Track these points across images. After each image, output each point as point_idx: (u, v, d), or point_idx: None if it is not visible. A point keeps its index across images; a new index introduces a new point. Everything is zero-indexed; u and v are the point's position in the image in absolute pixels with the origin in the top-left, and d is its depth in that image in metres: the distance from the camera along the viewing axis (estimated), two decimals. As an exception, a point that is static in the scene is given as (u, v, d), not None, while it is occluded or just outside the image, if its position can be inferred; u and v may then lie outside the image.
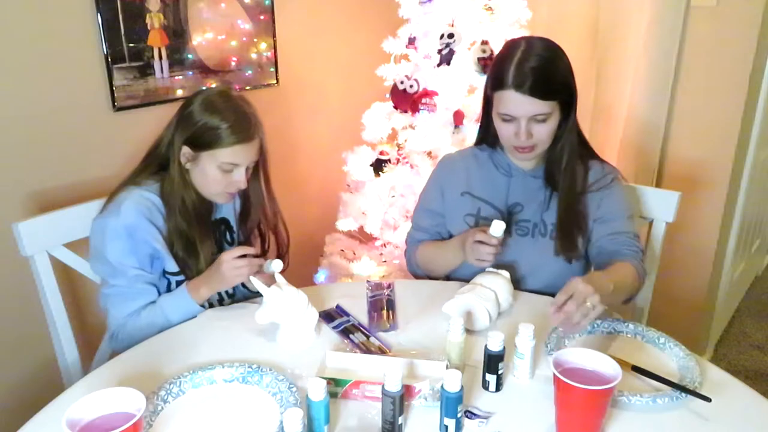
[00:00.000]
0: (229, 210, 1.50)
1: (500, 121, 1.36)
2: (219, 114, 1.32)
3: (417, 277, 1.60)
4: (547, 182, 1.44)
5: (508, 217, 1.44)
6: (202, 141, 1.33)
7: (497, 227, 1.29)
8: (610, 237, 1.40)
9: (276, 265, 1.30)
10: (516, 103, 1.30)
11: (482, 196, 1.47)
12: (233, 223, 1.51)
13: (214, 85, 2.03)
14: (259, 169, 1.45)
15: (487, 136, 1.49)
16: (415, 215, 1.60)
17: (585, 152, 1.46)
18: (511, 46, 1.34)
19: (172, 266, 1.36)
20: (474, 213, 1.46)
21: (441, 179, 1.54)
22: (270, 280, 1.29)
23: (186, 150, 1.34)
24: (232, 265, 1.29)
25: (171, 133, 1.36)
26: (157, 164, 1.38)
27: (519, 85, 1.28)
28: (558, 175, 1.41)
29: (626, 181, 1.51)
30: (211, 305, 1.40)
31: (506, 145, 1.41)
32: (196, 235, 1.37)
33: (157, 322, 1.31)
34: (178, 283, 1.38)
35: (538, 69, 1.28)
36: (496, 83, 1.33)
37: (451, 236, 1.51)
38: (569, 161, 1.39)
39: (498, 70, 1.33)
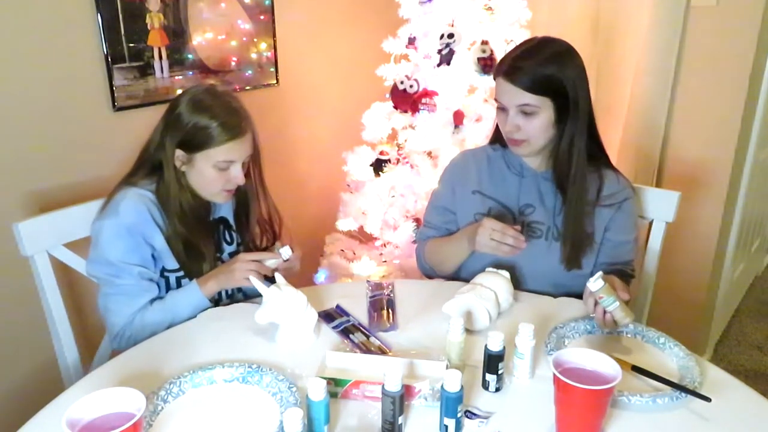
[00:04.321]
0: (227, 209, 1.50)
1: (498, 111, 1.40)
2: (208, 112, 1.30)
3: (427, 275, 1.60)
4: (555, 186, 1.44)
5: (519, 218, 1.44)
6: (195, 142, 1.31)
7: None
8: (614, 267, 1.43)
9: (285, 251, 1.34)
10: (503, 90, 1.34)
11: (493, 196, 1.47)
12: (232, 221, 1.51)
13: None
14: (252, 164, 1.44)
15: (501, 135, 1.48)
16: (426, 213, 1.61)
17: (601, 159, 1.45)
18: (524, 41, 1.40)
19: (171, 263, 1.36)
20: (485, 212, 1.46)
21: (452, 177, 1.54)
22: (282, 268, 1.34)
23: (180, 153, 1.33)
24: (246, 267, 1.30)
25: (160, 136, 1.35)
26: (149, 166, 1.37)
27: (507, 72, 1.33)
28: (566, 181, 1.40)
29: (635, 195, 1.50)
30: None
31: (504, 138, 1.42)
32: (198, 238, 1.37)
33: (166, 319, 1.31)
34: (178, 280, 1.38)
35: (532, 62, 1.31)
36: (495, 72, 1.39)
37: None
38: (578, 168, 1.38)
39: (500, 60, 1.38)
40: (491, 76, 1.99)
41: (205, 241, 1.39)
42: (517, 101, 1.33)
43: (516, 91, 1.32)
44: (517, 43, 1.41)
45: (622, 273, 1.44)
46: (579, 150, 1.37)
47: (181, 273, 1.38)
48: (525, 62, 1.31)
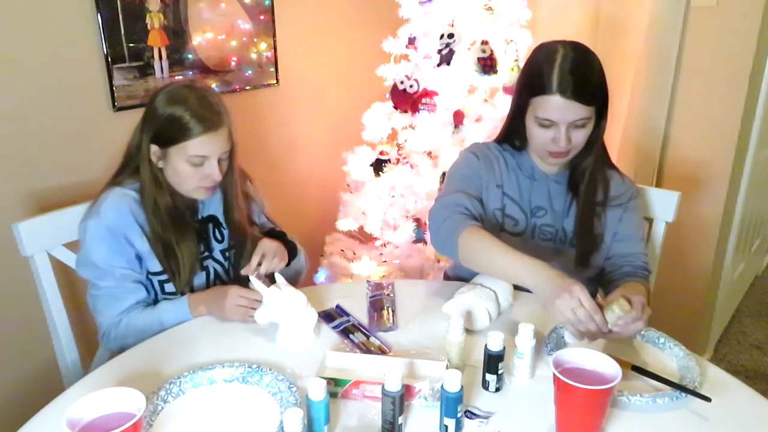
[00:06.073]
0: (217, 206, 1.47)
1: (537, 127, 1.33)
2: (183, 104, 1.28)
3: (440, 252, 1.40)
4: (569, 189, 1.43)
5: (531, 219, 1.43)
6: (169, 135, 1.29)
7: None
8: (625, 259, 1.41)
9: (254, 283, 1.27)
10: (559, 108, 1.27)
11: (510, 194, 1.45)
12: (221, 219, 1.48)
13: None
14: (232, 161, 1.40)
15: (514, 139, 1.45)
16: (450, 182, 1.44)
17: (606, 160, 1.45)
18: (548, 50, 1.31)
19: (154, 266, 1.35)
20: (500, 208, 1.44)
21: (481, 161, 1.45)
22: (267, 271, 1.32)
23: (155, 148, 1.32)
24: (237, 302, 1.28)
25: (138, 133, 1.34)
26: (134, 165, 1.36)
27: (563, 90, 1.25)
28: (581, 184, 1.39)
29: (639, 195, 1.49)
30: None
31: (540, 150, 1.37)
32: (172, 238, 1.35)
33: (153, 327, 1.30)
34: (161, 284, 1.37)
35: (580, 74, 1.26)
36: (536, 88, 1.29)
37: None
38: (594, 170, 1.38)
39: (537, 74, 1.29)
40: (491, 76, 2.01)
41: (182, 242, 1.36)
42: (574, 117, 1.27)
43: (574, 107, 1.26)
44: (537, 53, 1.33)
45: (637, 272, 1.39)
46: (597, 150, 1.38)
47: (165, 277, 1.37)
48: (575, 75, 1.25)
